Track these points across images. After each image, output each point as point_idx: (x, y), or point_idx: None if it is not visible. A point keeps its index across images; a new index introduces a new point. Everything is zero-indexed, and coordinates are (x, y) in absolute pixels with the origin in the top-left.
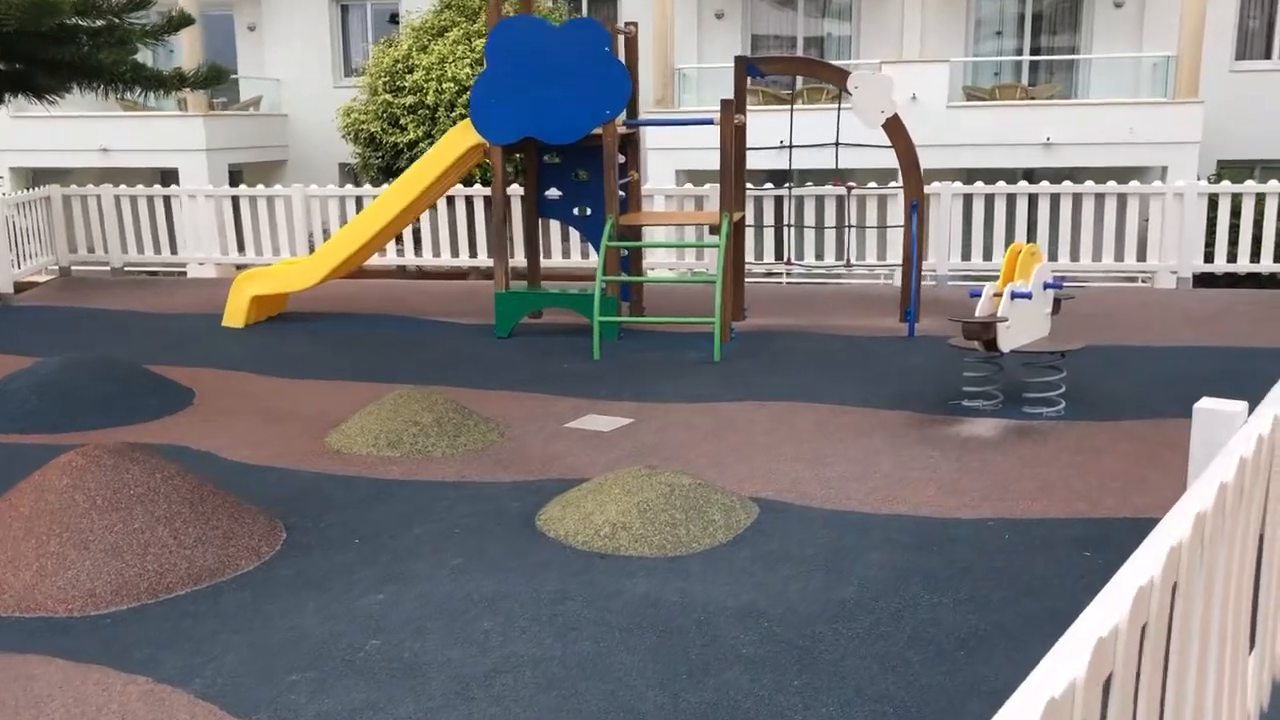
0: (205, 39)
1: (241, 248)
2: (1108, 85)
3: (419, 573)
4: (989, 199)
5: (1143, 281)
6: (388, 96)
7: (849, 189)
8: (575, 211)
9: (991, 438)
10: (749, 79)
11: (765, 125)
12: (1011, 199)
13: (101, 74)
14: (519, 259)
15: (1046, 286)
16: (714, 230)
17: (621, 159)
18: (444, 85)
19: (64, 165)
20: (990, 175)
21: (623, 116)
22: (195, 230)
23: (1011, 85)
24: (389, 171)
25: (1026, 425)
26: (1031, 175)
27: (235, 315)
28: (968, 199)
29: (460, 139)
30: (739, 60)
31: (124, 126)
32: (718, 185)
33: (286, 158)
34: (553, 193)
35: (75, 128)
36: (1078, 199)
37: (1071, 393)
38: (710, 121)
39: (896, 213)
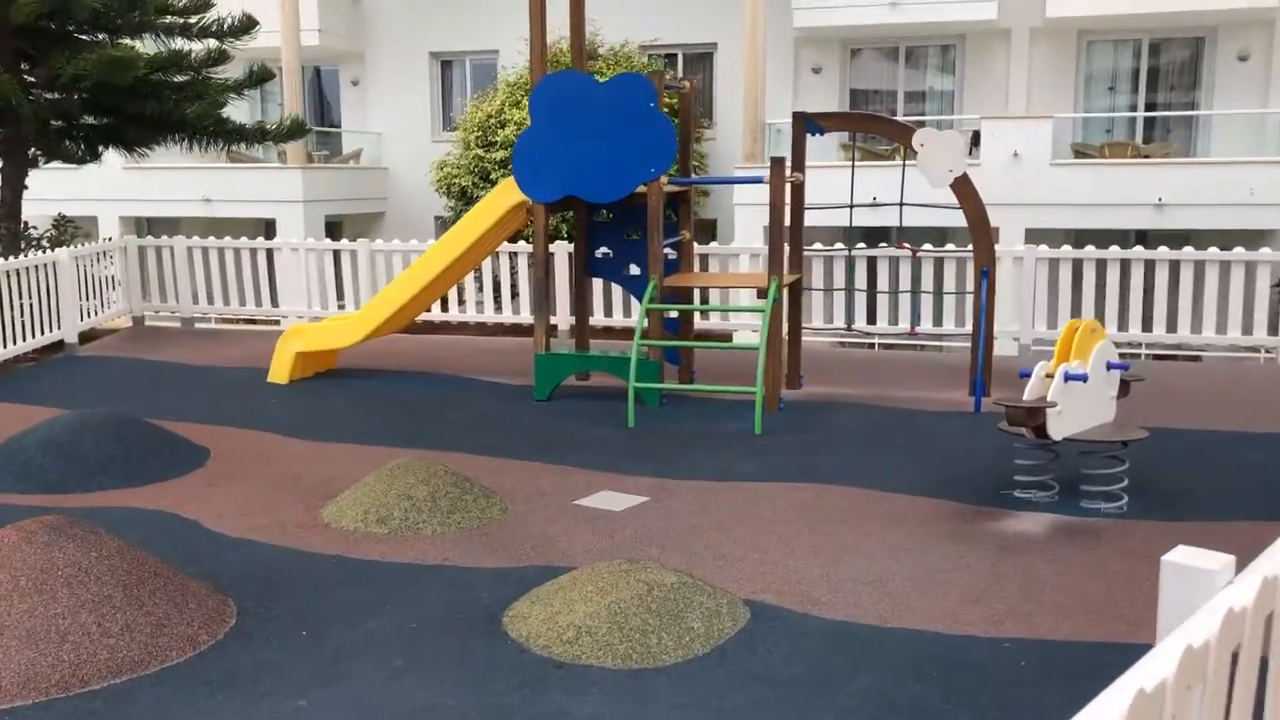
0: (310, 93)
1: (332, 300)
2: (1228, 143)
3: (355, 675)
4: (1088, 264)
5: (1266, 355)
6: (479, 151)
7: (914, 253)
8: (626, 271)
9: (1036, 536)
10: (809, 135)
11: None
12: (1104, 263)
13: (185, 127)
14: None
15: (1110, 367)
16: (762, 294)
17: (673, 218)
18: None
19: (170, 215)
20: (1099, 237)
21: (669, 175)
22: (261, 281)
23: (1122, 143)
24: None
25: (1080, 523)
26: (1145, 238)
27: (280, 371)
28: (1053, 263)
29: (504, 196)
30: (797, 117)
31: (225, 178)
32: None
33: (385, 210)
34: (603, 251)
35: (180, 179)
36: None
37: (1142, 483)
38: (761, 180)
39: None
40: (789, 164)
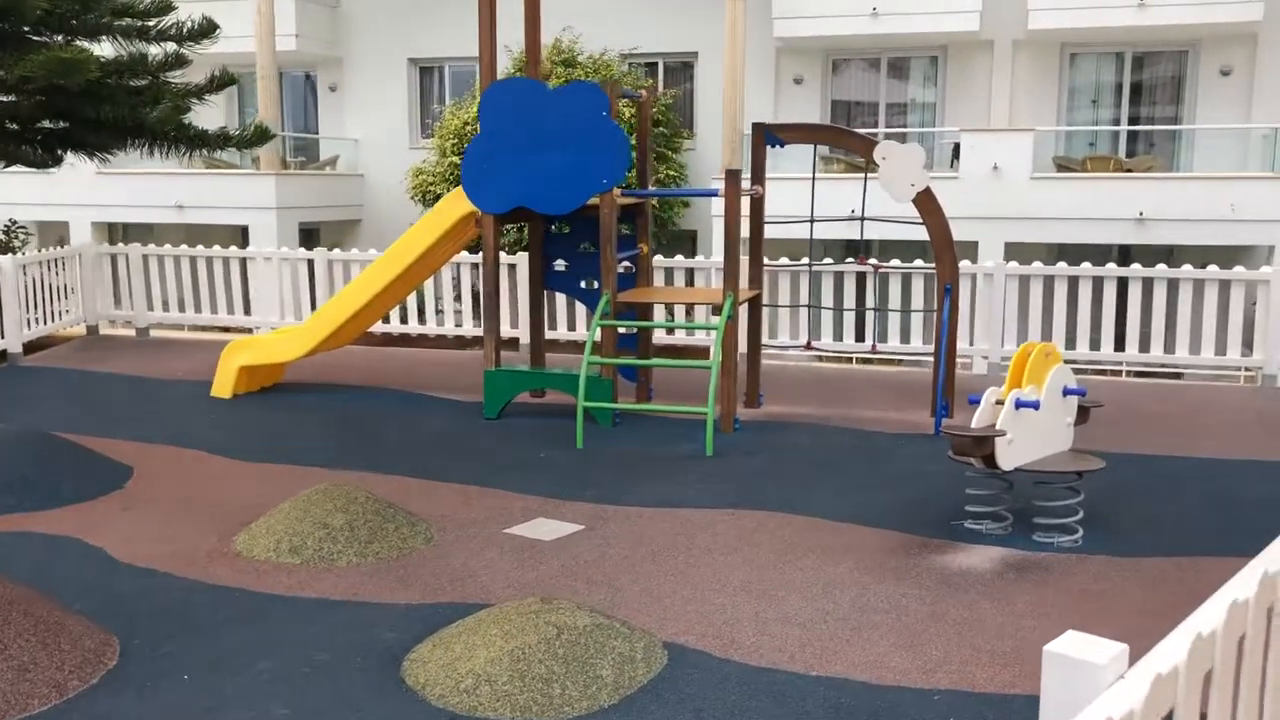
0: (289, 99)
1: (306, 309)
2: (1211, 158)
3: None
4: (1059, 281)
5: (1246, 376)
6: (455, 159)
7: (875, 268)
8: (582, 284)
9: (983, 573)
10: (769, 147)
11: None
12: (1077, 280)
13: (145, 132)
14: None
15: (1067, 393)
16: (716, 311)
17: (629, 230)
18: None
19: (143, 221)
20: (1080, 252)
21: (624, 186)
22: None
23: (1104, 157)
24: None
25: (1032, 558)
26: (1129, 253)
27: (223, 386)
28: (1025, 280)
29: (453, 206)
30: (756, 128)
31: (198, 184)
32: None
33: (361, 217)
34: (560, 264)
35: (153, 184)
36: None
37: (1101, 514)
38: (715, 193)
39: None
40: (744, 177)
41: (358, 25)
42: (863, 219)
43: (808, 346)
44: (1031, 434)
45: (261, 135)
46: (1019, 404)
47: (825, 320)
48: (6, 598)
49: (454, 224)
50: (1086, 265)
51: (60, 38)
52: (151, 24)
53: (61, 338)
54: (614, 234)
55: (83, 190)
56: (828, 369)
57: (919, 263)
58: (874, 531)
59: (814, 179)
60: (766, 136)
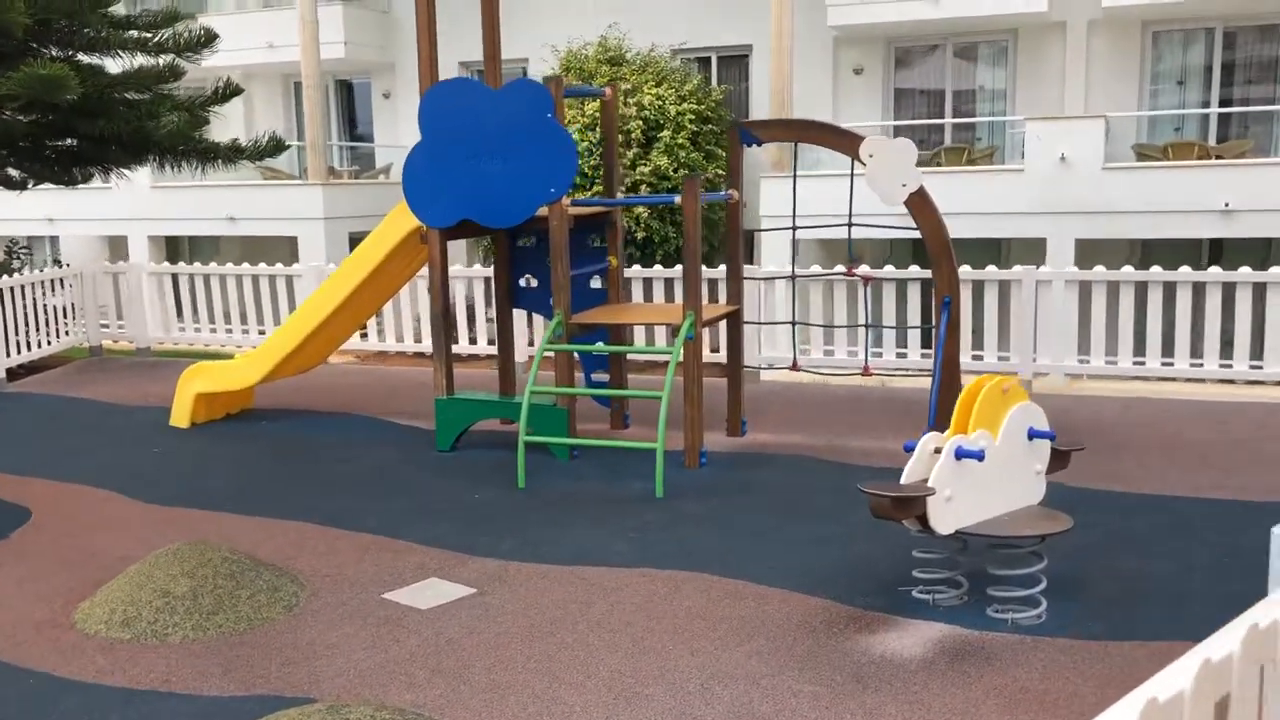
0: (341, 107)
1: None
2: None
3: None
4: (1097, 288)
5: None
6: None
7: (865, 280)
8: (553, 302)
9: (907, 662)
10: (745, 146)
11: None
12: (1141, 287)
13: (150, 147)
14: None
15: (1034, 436)
16: (675, 332)
17: (598, 242)
18: None
19: (198, 233)
20: (1161, 247)
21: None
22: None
23: (1187, 143)
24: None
25: (976, 640)
26: (1220, 248)
27: (180, 414)
28: (1085, 287)
29: (401, 221)
30: (731, 127)
31: (249, 195)
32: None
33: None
34: (527, 279)
35: (206, 197)
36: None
37: (1082, 579)
38: (671, 201)
39: (980, 302)
40: (798, 174)
41: (408, 30)
42: (850, 224)
43: (794, 367)
44: (981, 489)
45: (276, 146)
46: (960, 454)
47: (815, 336)
48: None
49: (401, 240)
50: (1128, 269)
51: (56, 51)
52: (150, 36)
53: (65, 359)
54: (565, 248)
55: (139, 204)
56: (839, 386)
57: (914, 269)
58: (804, 599)
59: (794, 177)
60: (742, 135)
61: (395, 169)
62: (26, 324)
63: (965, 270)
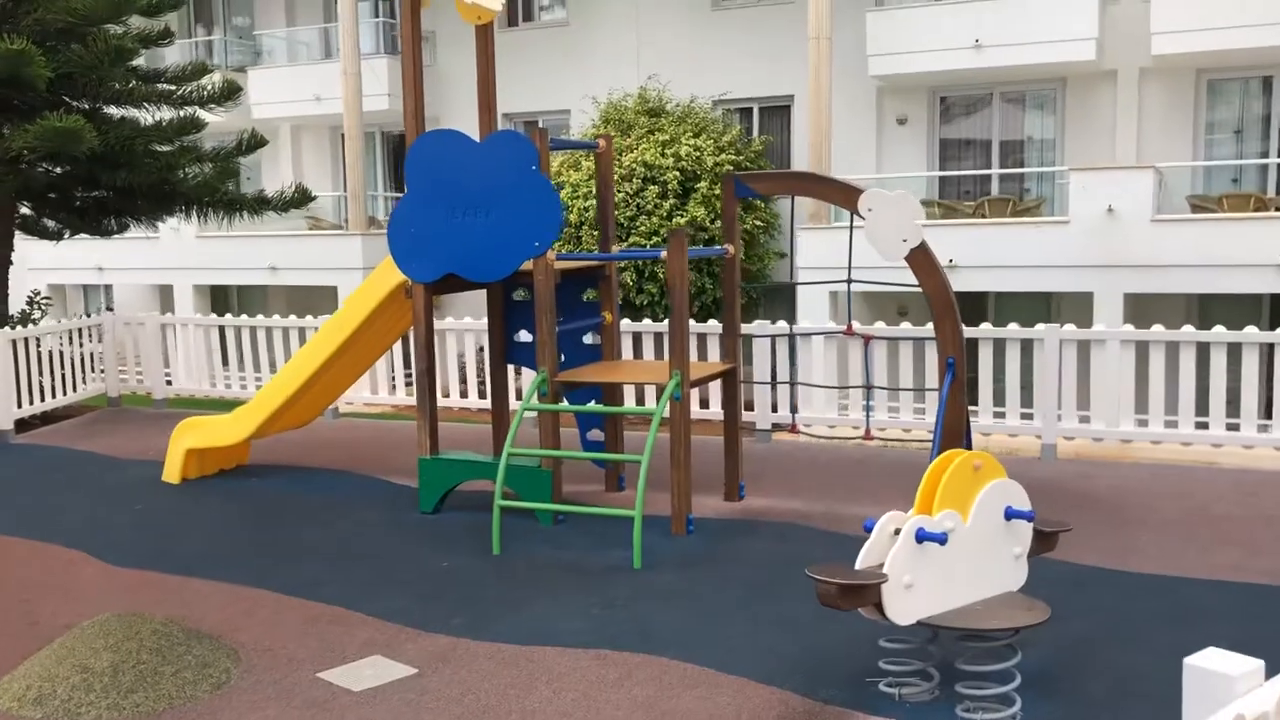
0: (389, 157)
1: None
2: None
3: None
4: (1124, 346)
5: None
6: None
7: (865, 340)
8: (537, 359)
9: None
10: (739, 200)
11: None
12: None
13: (176, 197)
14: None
15: (1010, 515)
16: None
17: (591, 297)
18: (588, 203)
19: (240, 283)
20: (1221, 303)
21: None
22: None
23: (1244, 195)
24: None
25: None
26: None
27: (172, 470)
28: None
29: (386, 276)
30: (726, 179)
31: (290, 246)
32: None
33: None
34: (523, 336)
35: (248, 247)
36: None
37: (1073, 670)
38: (657, 255)
39: (994, 360)
40: (836, 224)
41: (452, 82)
42: (849, 281)
43: (793, 429)
44: (947, 575)
45: (302, 197)
46: (921, 536)
47: (816, 397)
48: None
49: (388, 295)
50: (1158, 328)
51: (84, 104)
52: (174, 89)
53: (86, 408)
54: (551, 303)
55: (185, 254)
56: (853, 447)
57: (905, 326)
58: (760, 690)
59: (793, 231)
60: (736, 188)
61: None
62: (40, 374)
63: (985, 327)
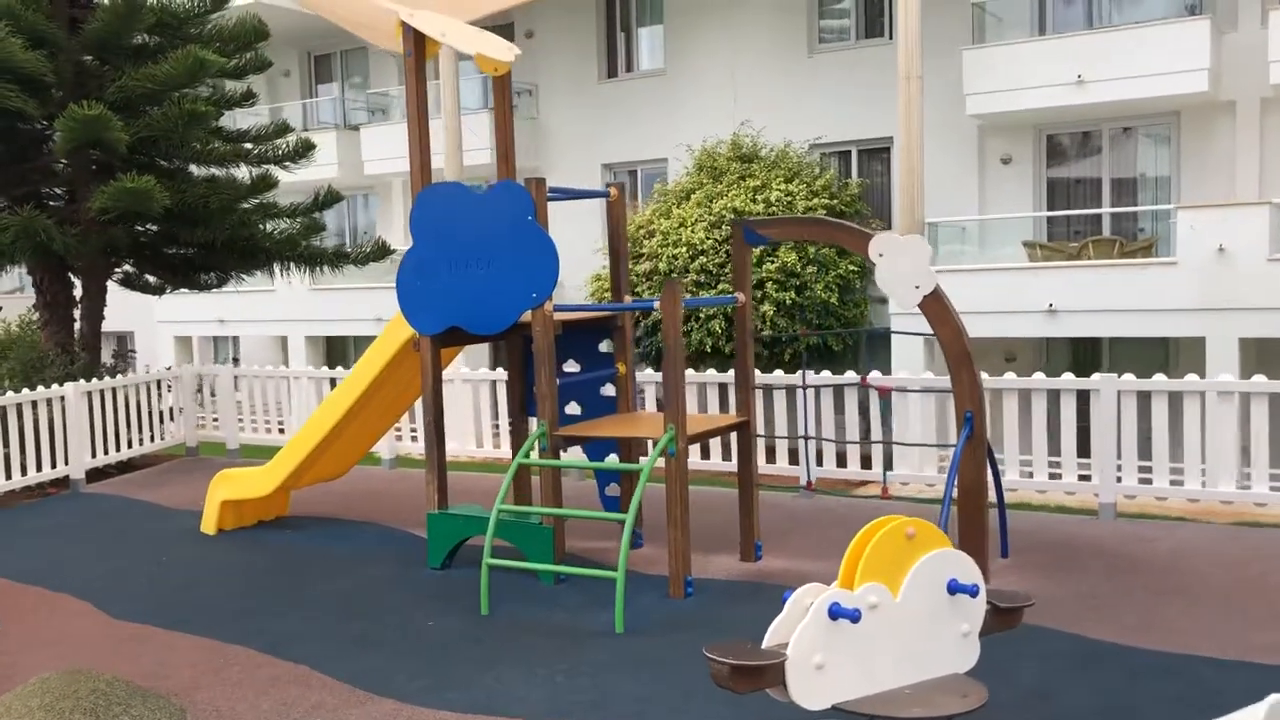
0: None
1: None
2: None
3: None
4: (1189, 398)
5: None
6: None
7: (882, 392)
8: (566, 410)
9: None
10: (751, 247)
11: (1046, 286)
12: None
13: (259, 253)
14: None
15: (955, 590)
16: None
17: (607, 348)
18: (676, 250)
19: (348, 334)
20: None
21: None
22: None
23: None
24: None
25: None
26: None
27: (209, 521)
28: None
29: (399, 329)
30: (735, 225)
31: (392, 298)
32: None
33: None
34: None
35: (356, 299)
36: None
37: None
38: (651, 306)
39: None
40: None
41: (553, 134)
42: (865, 330)
43: (809, 487)
44: (869, 655)
45: (381, 250)
46: (834, 613)
47: (828, 452)
48: None
49: (399, 349)
50: (1226, 376)
51: (169, 164)
52: (251, 148)
53: (167, 456)
54: (551, 354)
55: (297, 306)
56: (895, 503)
57: (902, 373)
58: None
59: (801, 273)
60: (746, 234)
61: None
62: (117, 425)
63: (1038, 378)
